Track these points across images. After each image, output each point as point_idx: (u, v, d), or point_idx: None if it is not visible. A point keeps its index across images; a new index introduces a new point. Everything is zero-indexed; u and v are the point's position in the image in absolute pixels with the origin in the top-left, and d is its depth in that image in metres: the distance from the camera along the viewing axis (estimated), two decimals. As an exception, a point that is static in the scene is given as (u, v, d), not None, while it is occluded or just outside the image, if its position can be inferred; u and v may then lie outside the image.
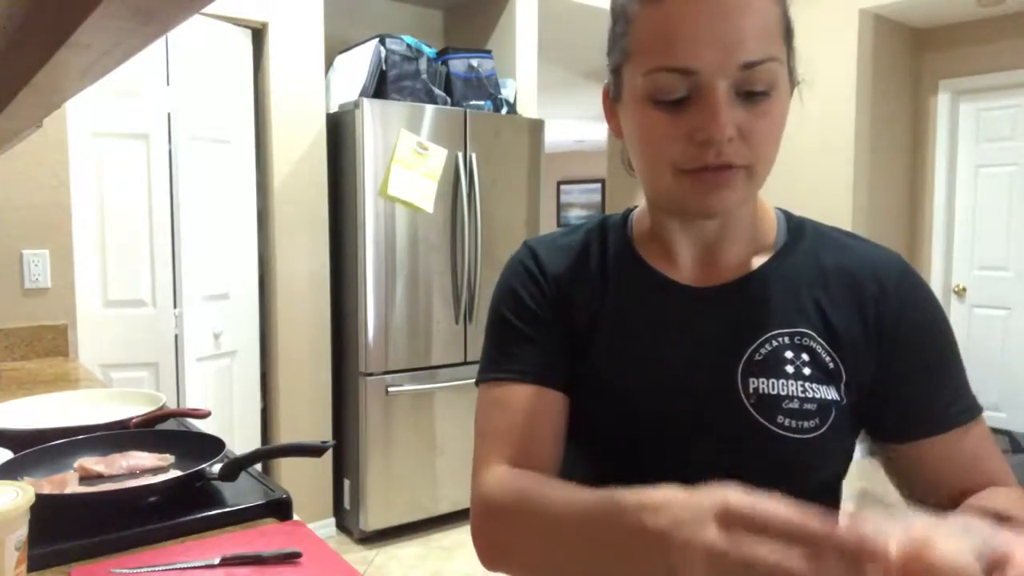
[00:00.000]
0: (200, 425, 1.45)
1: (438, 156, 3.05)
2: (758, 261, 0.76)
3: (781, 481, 0.57)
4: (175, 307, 2.64)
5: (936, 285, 4.50)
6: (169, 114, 2.59)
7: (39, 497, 0.78)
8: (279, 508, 1.05)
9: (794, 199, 4.41)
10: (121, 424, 1.32)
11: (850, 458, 0.77)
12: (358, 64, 3.06)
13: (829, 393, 0.71)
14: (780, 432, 0.69)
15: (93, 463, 1.11)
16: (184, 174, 2.63)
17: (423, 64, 3.12)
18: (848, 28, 4.12)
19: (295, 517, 1.06)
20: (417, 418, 3.11)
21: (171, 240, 2.62)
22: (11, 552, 0.72)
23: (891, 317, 0.73)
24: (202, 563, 0.88)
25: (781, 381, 0.70)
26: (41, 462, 1.11)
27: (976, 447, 0.73)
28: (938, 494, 0.72)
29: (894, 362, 0.72)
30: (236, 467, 1.07)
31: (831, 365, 0.71)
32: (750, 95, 0.65)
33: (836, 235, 0.79)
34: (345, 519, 3.17)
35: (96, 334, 2.48)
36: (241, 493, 1.07)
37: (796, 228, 0.79)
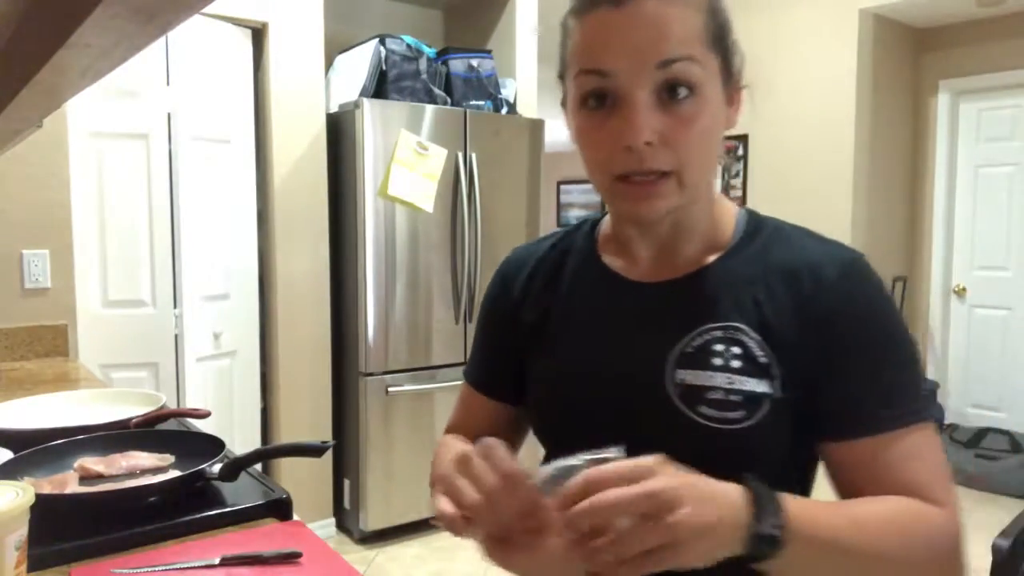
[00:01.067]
0: (200, 425, 1.45)
1: (438, 156, 3.05)
2: (710, 259, 0.78)
3: (713, 474, 0.61)
4: (175, 307, 2.64)
5: (936, 285, 4.50)
6: (169, 114, 2.59)
7: (39, 497, 0.78)
8: (279, 508, 1.05)
9: (794, 199, 4.42)
10: (121, 424, 1.32)
11: (800, 455, 0.75)
12: (358, 64, 3.06)
13: (759, 386, 0.71)
14: (702, 422, 0.71)
15: (93, 463, 1.11)
16: (184, 174, 2.63)
17: (423, 64, 3.12)
18: (848, 28, 4.12)
19: (295, 517, 1.06)
20: (417, 418, 3.11)
21: (171, 240, 2.62)
22: (11, 552, 0.72)
23: (826, 312, 0.71)
24: (202, 563, 0.88)
25: (707, 373, 0.72)
26: (41, 462, 1.11)
27: (902, 457, 0.70)
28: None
29: (828, 359, 0.71)
30: (236, 467, 1.07)
31: (763, 359, 0.72)
32: (672, 100, 0.68)
33: (793, 234, 0.79)
34: (345, 519, 3.17)
35: (96, 334, 2.48)
36: (241, 493, 1.07)
37: (754, 227, 0.79)
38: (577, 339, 0.82)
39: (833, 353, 0.71)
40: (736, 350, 0.72)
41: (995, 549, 1.14)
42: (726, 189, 4.76)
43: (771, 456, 0.72)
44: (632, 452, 0.62)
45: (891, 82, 4.34)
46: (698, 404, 0.72)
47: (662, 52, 0.67)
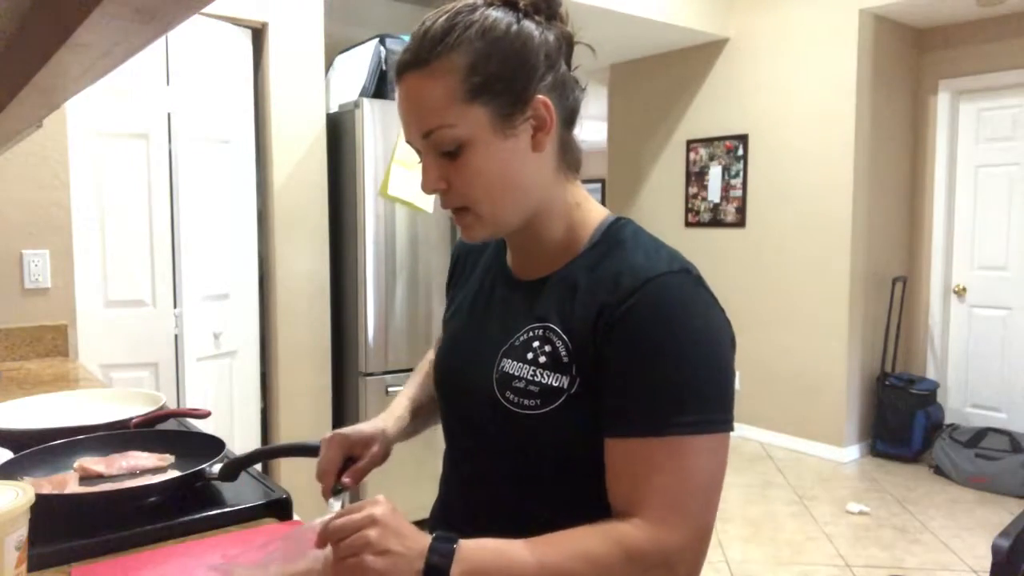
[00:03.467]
0: (200, 425, 1.45)
1: (438, 156, 3.05)
2: (560, 265, 0.88)
3: (521, 446, 0.83)
4: (175, 307, 2.64)
5: (936, 285, 4.50)
6: (169, 114, 2.59)
7: (39, 497, 0.78)
8: (279, 508, 1.05)
9: (794, 199, 4.42)
10: (121, 424, 1.32)
11: (599, 448, 0.80)
12: (358, 64, 3.06)
13: (557, 381, 0.80)
14: (506, 405, 0.83)
15: (93, 463, 1.11)
16: (184, 174, 2.63)
17: (423, 64, 3.12)
18: (848, 28, 4.12)
19: (295, 517, 1.06)
20: (417, 418, 3.11)
21: (171, 240, 2.62)
22: (11, 552, 0.72)
23: (612, 319, 0.78)
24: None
25: (519, 364, 0.84)
26: (41, 462, 1.11)
27: (631, 462, 0.75)
28: (610, 497, 0.78)
29: (607, 361, 0.78)
30: (236, 467, 1.07)
31: (565, 359, 0.81)
32: (448, 155, 0.81)
33: (632, 245, 0.84)
34: (345, 519, 3.16)
35: (96, 334, 2.48)
36: (241, 493, 1.07)
37: (604, 237, 0.87)
38: (462, 319, 0.98)
39: (610, 355, 0.78)
40: (547, 347, 0.82)
41: (995, 549, 1.14)
42: (726, 189, 4.76)
43: (565, 443, 0.81)
44: (464, 419, 0.92)
45: (891, 82, 4.34)
46: (506, 390, 0.83)
47: (420, 126, 0.80)
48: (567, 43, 0.85)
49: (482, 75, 0.78)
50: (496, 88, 0.79)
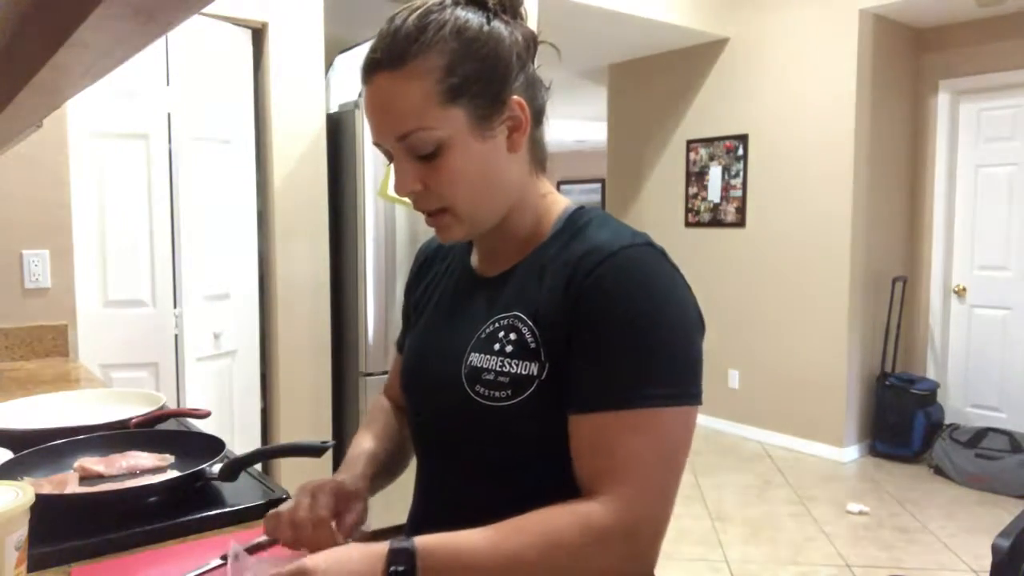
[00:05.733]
0: (200, 425, 1.45)
1: (438, 156, 3.05)
2: (526, 254, 0.87)
3: (490, 440, 0.82)
4: (175, 307, 2.64)
5: (936, 285, 4.50)
6: (169, 114, 2.59)
7: (39, 497, 0.78)
8: (279, 508, 1.05)
9: (794, 199, 4.42)
10: (121, 424, 1.32)
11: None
12: (358, 64, 3.05)
13: (527, 369, 0.79)
14: (476, 399, 0.81)
15: (93, 463, 1.11)
16: (184, 174, 2.63)
17: (423, 64, 3.12)
18: (848, 28, 4.12)
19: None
20: (417, 418, 3.11)
21: (171, 240, 2.62)
22: (11, 552, 0.72)
23: (578, 292, 0.77)
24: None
25: (487, 356, 0.82)
26: (41, 462, 1.11)
27: (600, 437, 0.74)
28: (576, 474, 0.77)
29: (573, 337, 0.77)
30: (236, 467, 1.07)
31: (532, 345, 0.79)
32: (423, 157, 0.79)
33: (595, 226, 0.84)
34: (345, 519, 3.16)
35: (96, 334, 2.48)
36: (241, 493, 1.07)
37: (568, 223, 0.86)
38: (426, 322, 0.96)
39: (575, 329, 0.77)
40: (512, 336, 0.81)
41: (995, 549, 1.14)
42: (726, 189, 4.76)
43: (538, 433, 0.80)
44: (436, 419, 0.89)
45: (891, 82, 4.34)
46: (475, 383, 0.81)
47: (394, 129, 0.78)
48: (533, 42, 0.85)
49: (459, 76, 0.77)
50: (473, 89, 0.78)
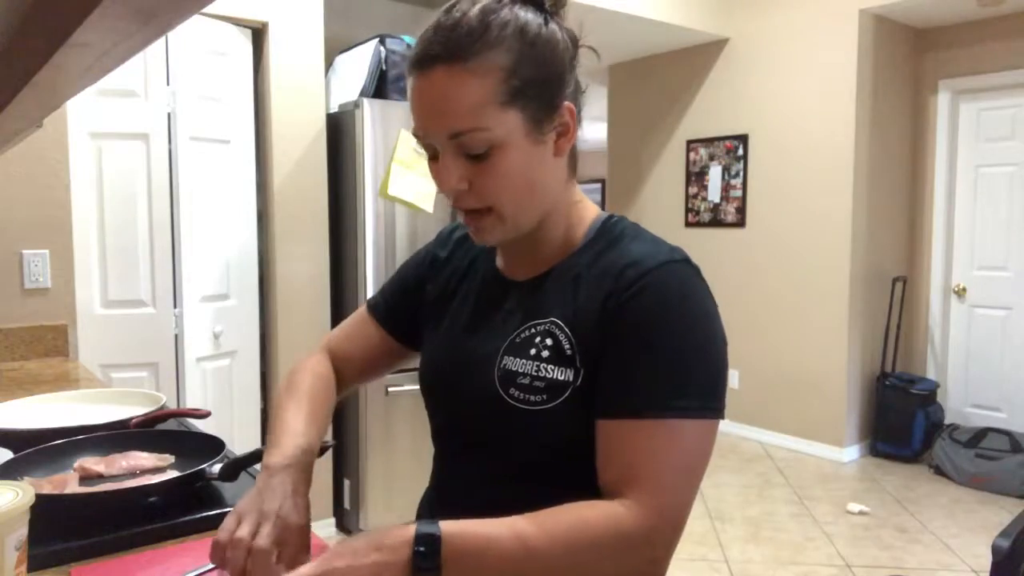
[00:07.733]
0: (200, 425, 1.45)
1: (438, 156, 3.05)
2: (558, 261, 0.87)
3: (519, 441, 0.82)
4: (175, 307, 2.64)
5: (936, 285, 4.50)
6: (169, 114, 2.59)
7: (39, 497, 0.78)
8: (279, 508, 1.04)
9: (794, 199, 4.42)
10: (121, 424, 1.32)
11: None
12: (358, 64, 3.06)
13: (563, 375, 0.80)
14: (511, 402, 0.82)
15: (93, 463, 1.11)
16: (184, 174, 2.63)
17: (423, 64, 3.11)
18: (848, 28, 4.12)
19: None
20: (417, 418, 3.11)
21: (171, 240, 2.62)
22: (11, 552, 0.72)
23: (618, 305, 0.78)
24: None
25: (522, 360, 0.83)
26: (41, 462, 1.11)
27: (628, 444, 0.75)
28: (600, 477, 0.78)
29: (609, 345, 0.78)
30: (236, 467, 1.07)
31: (569, 351, 0.80)
32: (473, 156, 0.78)
33: (630, 237, 0.85)
34: (345, 519, 3.17)
35: (96, 334, 2.48)
36: (241, 493, 1.06)
37: (601, 232, 0.87)
38: (453, 321, 0.94)
39: (611, 340, 0.78)
40: (548, 342, 0.82)
41: (995, 549, 1.14)
42: (726, 189, 4.76)
43: (566, 436, 0.80)
44: (464, 420, 0.89)
45: (891, 82, 4.34)
46: (510, 386, 0.82)
47: (448, 126, 0.76)
48: (575, 45, 0.85)
49: (520, 79, 0.76)
50: (531, 93, 0.77)
